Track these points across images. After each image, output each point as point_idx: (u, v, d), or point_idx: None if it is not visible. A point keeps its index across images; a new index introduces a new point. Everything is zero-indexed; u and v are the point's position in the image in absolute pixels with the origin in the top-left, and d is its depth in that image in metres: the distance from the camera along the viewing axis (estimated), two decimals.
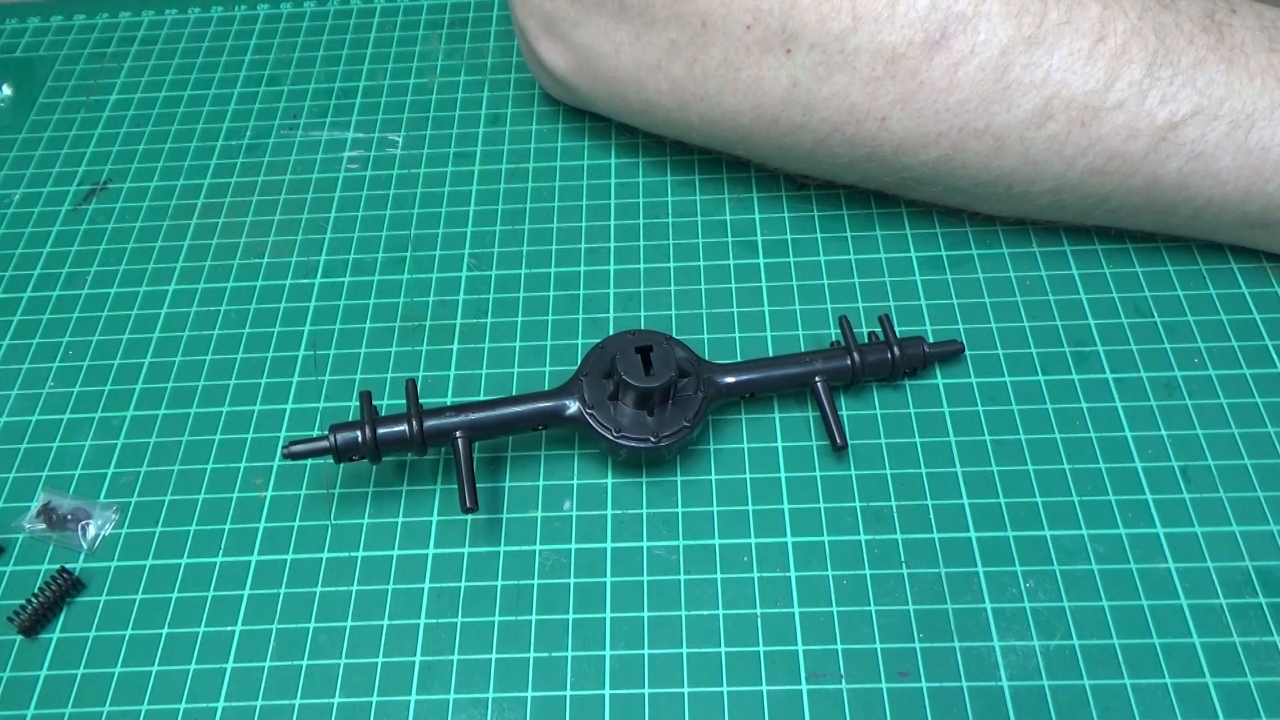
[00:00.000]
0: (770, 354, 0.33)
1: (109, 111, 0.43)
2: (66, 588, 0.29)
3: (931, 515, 0.29)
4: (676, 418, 0.29)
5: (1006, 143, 0.30)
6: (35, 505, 0.31)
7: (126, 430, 0.32)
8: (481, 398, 0.32)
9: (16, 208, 0.39)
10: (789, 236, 0.36)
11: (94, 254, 0.37)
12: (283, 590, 0.29)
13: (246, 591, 0.29)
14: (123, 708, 0.27)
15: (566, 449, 0.31)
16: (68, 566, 0.29)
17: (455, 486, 0.30)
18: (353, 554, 0.29)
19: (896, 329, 0.32)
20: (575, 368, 0.31)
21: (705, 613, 0.28)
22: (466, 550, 0.29)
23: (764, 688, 0.26)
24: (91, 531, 0.30)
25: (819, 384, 0.30)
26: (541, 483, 0.31)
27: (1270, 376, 0.31)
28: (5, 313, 0.36)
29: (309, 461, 0.31)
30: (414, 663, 0.27)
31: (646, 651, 0.27)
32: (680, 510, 0.30)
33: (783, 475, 0.30)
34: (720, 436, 0.31)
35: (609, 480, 0.30)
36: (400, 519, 0.30)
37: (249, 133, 0.41)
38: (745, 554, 0.29)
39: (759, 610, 0.28)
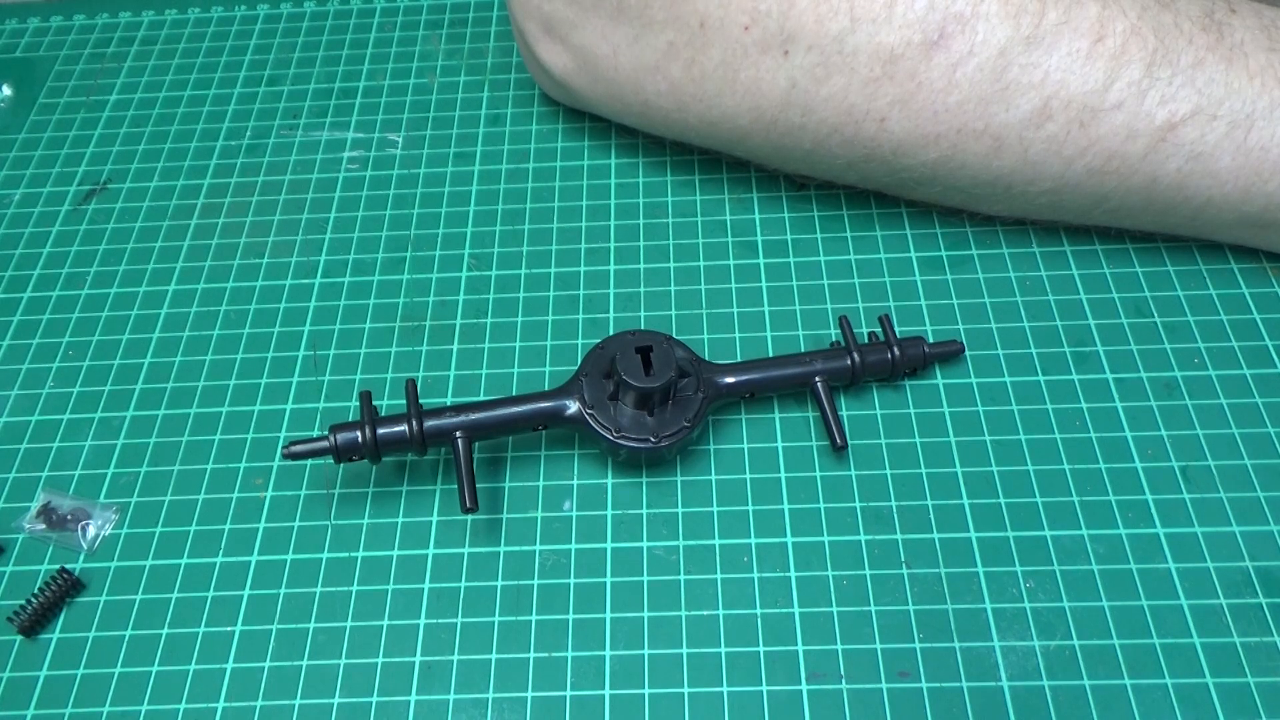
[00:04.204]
0: (770, 354, 0.33)
1: (109, 111, 0.43)
2: (66, 588, 0.29)
3: (931, 515, 0.29)
4: (676, 418, 0.29)
5: (1005, 143, 0.30)
6: (35, 505, 0.31)
7: (126, 430, 0.32)
8: (481, 398, 0.32)
9: (16, 208, 0.39)
10: (789, 236, 0.36)
11: (94, 254, 0.37)
12: (283, 590, 0.29)
13: (246, 591, 0.29)
14: (123, 708, 0.27)
15: (566, 449, 0.31)
16: (68, 567, 0.29)
17: (455, 486, 0.30)
18: (353, 554, 0.29)
19: (896, 329, 0.32)
20: (575, 368, 0.31)
21: (705, 613, 0.28)
22: (466, 550, 0.29)
23: (764, 688, 0.26)
24: (91, 531, 0.30)
25: (819, 384, 0.30)
26: (541, 483, 0.31)
27: (1270, 376, 0.31)
28: (5, 313, 0.36)
29: (309, 461, 0.31)
30: (414, 663, 0.27)
31: (646, 651, 0.27)
32: (680, 510, 0.30)
33: (783, 475, 0.30)
34: (720, 436, 0.31)
35: (609, 480, 0.30)
36: (400, 519, 0.30)
37: (249, 133, 0.41)
38: (745, 554, 0.29)
39: (759, 610, 0.28)
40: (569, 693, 0.27)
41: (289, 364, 0.34)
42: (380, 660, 0.27)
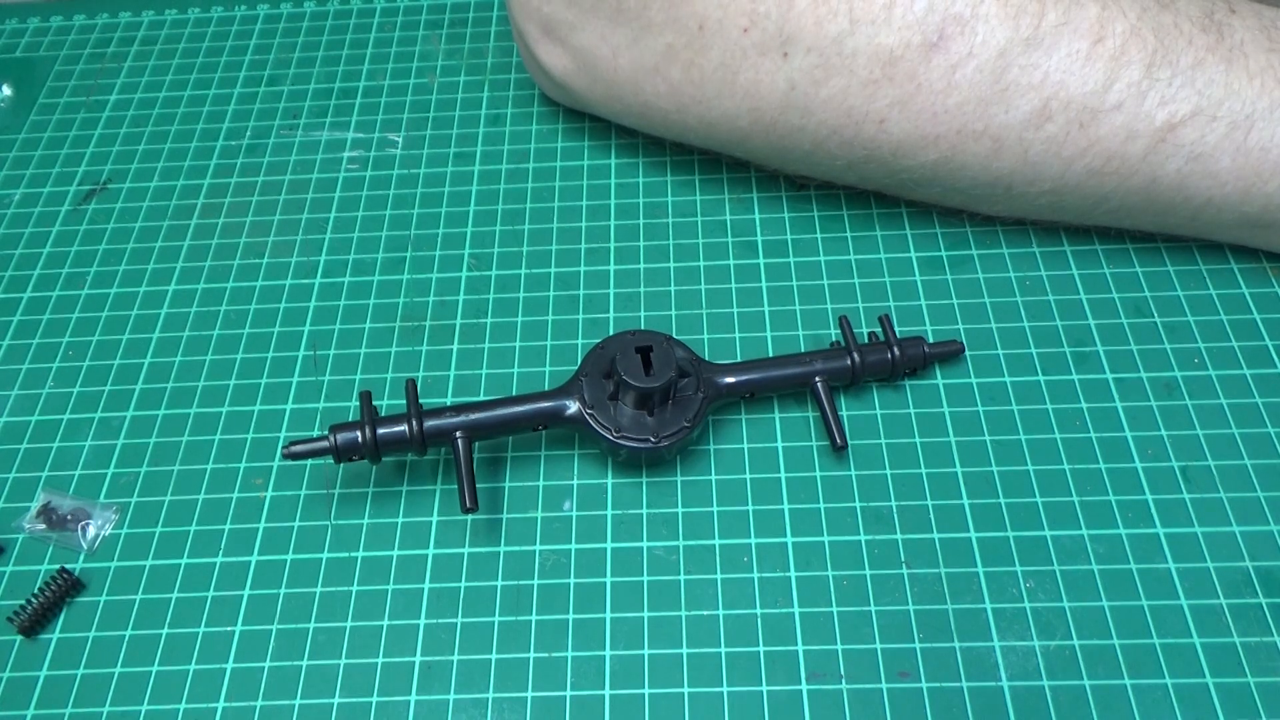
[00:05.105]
0: (770, 354, 0.33)
1: (109, 111, 0.43)
2: (66, 588, 0.29)
3: (931, 515, 0.29)
4: (676, 418, 0.29)
5: (1005, 144, 0.30)
6: (35, 505, 0.31)
7: (126, 430, 0.32)
8: (481, 398, 0.32)
9: (16, 208, 0.39)
10: (789, 236, 0.36)
11: (94, 254, 0.37)
12: (283, 590, 0.29)
13: (246, 591, 0.29)
14: (123, 708, 0.27)
15: (566, 449, 0.31)
16: (68, 567, 0.29)
17: (455, 486, 0.30)
18: (353, 554, 0.29)
19: (896, 329, 0.32)
20: (575, 368, 0.31)
21: (705, 613, 0.28)
22: (466, 550, 0.29)
23: (764, 688, 0.26)
24: (91, 531, 0.30)
25: (819, 384, 0.30)
26: (541, 483, 0.31)
27: (1270, 376, 0.31)
28: (5, 313, 0.36)
29: (309, 461, 0.31)
30: (414, 663, 0.27)
31: (646, 651, 0.27)
32: (680, 510, 0.30)
33: (783, 475, 0.30)
34: (720, 436, 0.31)
35: (609, 480, 0.30)
36: (400, 519, 0.30)
37: (249, 133, 0.41)
38: (745, 554, 0.29)
39: (759, 610, 0.28)
40: (569, 693, 0.27)
41: (289, 364, 0.34)
42: (380, 660, 0.27)
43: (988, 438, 0.31)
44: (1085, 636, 0.27)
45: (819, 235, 0.36)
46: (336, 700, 0.27)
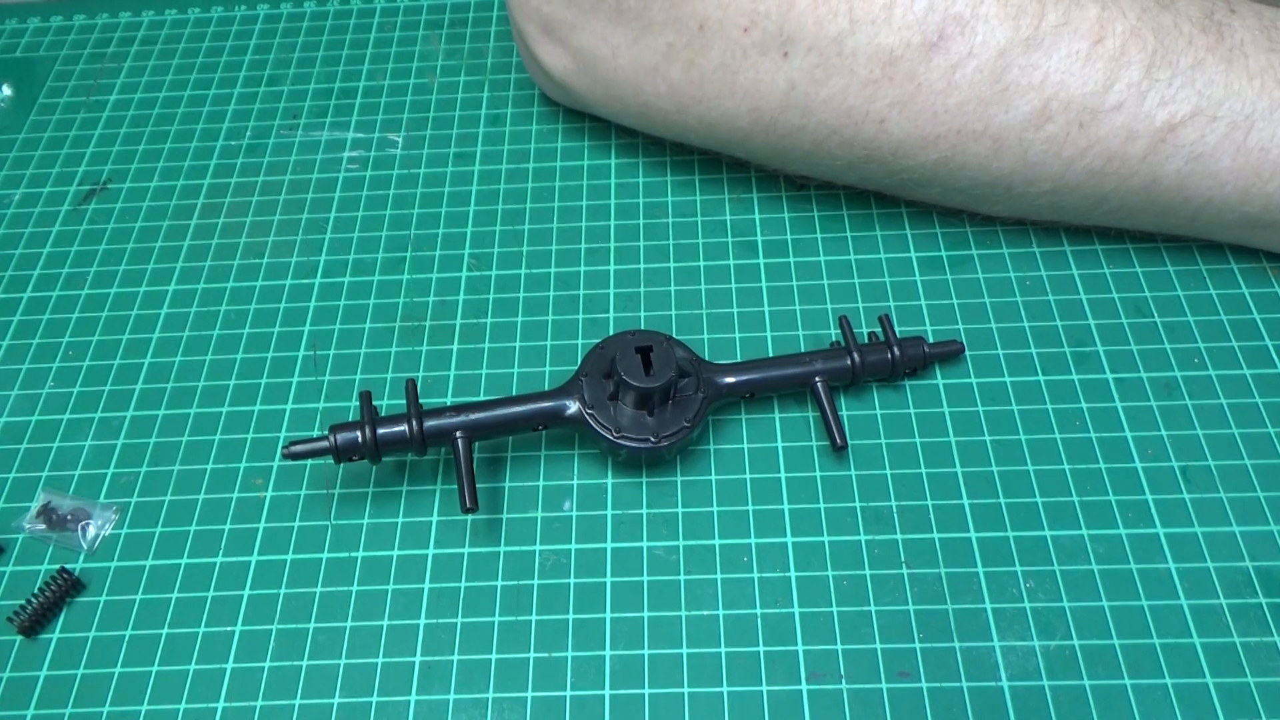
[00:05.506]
0: (770, 354, 0.33)
1: (109, 111, 0.43)
2: (66, 588, 0.29)
3: (931, 515, 0.29)
4: (676, 418, 0.29)
5: (1005, 144, 0.30)
6: (35, 505, 0.31)
7: (126, 430, 0.32)
8: (481, 398, 0.32)
9: (16, 208, 0.39)
10: (789, 236, 0.36)
11: (94, 254, 0.37)
12: (283, 590, 0.29)
13: (246, 591, 0.29)
14: (123, 708, 0.27)
15: (566, 449, 0.31)
16: (68, 567, 0.29)
17: (455, 486, 0.30)
18: (353, 554, 0.29)
19: (896, 329, 0.32)
20: (575, 368, 0.31)
21: (705, 613, 0.28)
22: (466, 550, 0.29)
23: (764, 688, 0.26)
24: (91, 531, 0.30)
25: (819, 384, 0.30)
26: (541, 483, 0.31)
27: (1270, 376, 0.31)
28: (5, 313, 0.36)
29: (309, 461, 0.31)
30: (414, 663, 0.27)
31: (646, 651, 0.27)
32: (680, 510, 0.30)
33: (783, 475, 0.30)
34: (720, 436, 0.31)
35: (609, 480, 0.30)
36: (400, 519, 0.30)
37: (249, 133, 0.41)
38: (745, 554, 0.29)
39: (759, 610, 0.28)
40: (569, 693, 0.27)
41: (289, 364, 0.34)
42: (380, 660, 0.27)
43: (988, 438, 0.31)
44: (1085, 636, 0.27)
45: (819, 235, 0.36)
46: (336, 700, 0.27)
